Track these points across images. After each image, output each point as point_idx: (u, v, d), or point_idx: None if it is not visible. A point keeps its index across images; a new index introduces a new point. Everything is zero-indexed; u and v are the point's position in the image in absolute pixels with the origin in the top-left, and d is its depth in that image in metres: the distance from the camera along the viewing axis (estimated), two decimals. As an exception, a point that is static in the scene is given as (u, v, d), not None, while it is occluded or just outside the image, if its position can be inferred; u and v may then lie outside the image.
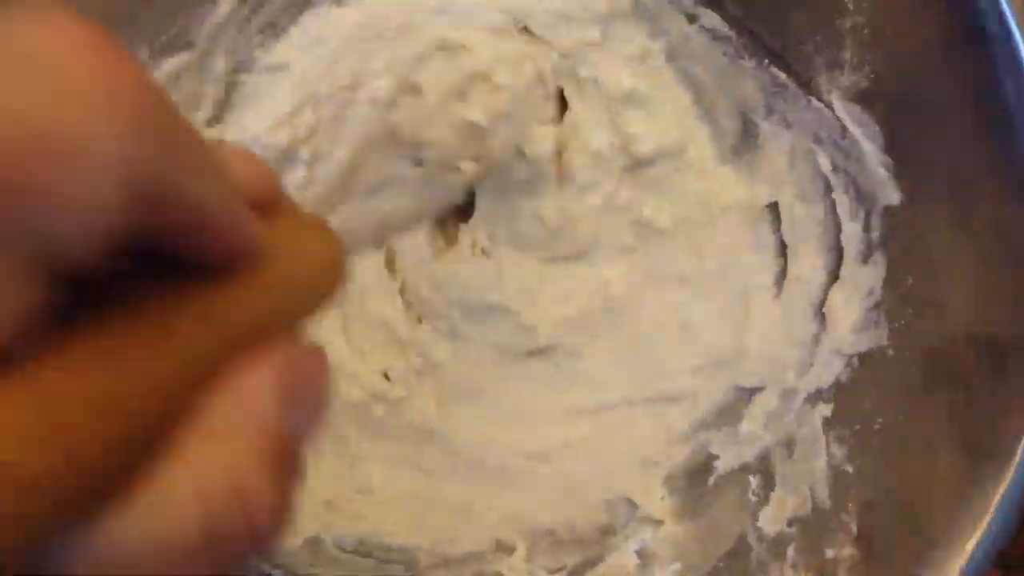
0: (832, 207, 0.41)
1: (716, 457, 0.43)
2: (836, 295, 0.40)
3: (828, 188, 0.41)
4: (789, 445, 0.40)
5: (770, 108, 0.42)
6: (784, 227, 0.43)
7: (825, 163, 0.40)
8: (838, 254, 0.40)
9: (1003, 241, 0.35)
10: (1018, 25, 0.32)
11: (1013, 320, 0.34)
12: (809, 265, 0.42)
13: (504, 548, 0.43)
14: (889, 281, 0.38)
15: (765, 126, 0.42)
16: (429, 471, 0.45)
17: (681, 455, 0.44)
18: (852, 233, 0.40)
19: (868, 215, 0.39)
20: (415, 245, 0.46)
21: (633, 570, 0.41)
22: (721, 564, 0.40)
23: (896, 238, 0.38)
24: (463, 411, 0.45)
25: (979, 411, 0.34)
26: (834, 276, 0.41)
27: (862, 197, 0.39)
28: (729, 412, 0.44)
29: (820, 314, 0.41)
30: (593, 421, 0.45)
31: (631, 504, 0.43)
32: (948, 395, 0.36)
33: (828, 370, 0.40)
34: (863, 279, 0.39)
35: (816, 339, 0.41)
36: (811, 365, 0.41)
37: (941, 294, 0.37)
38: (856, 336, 0.39)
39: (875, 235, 0.39)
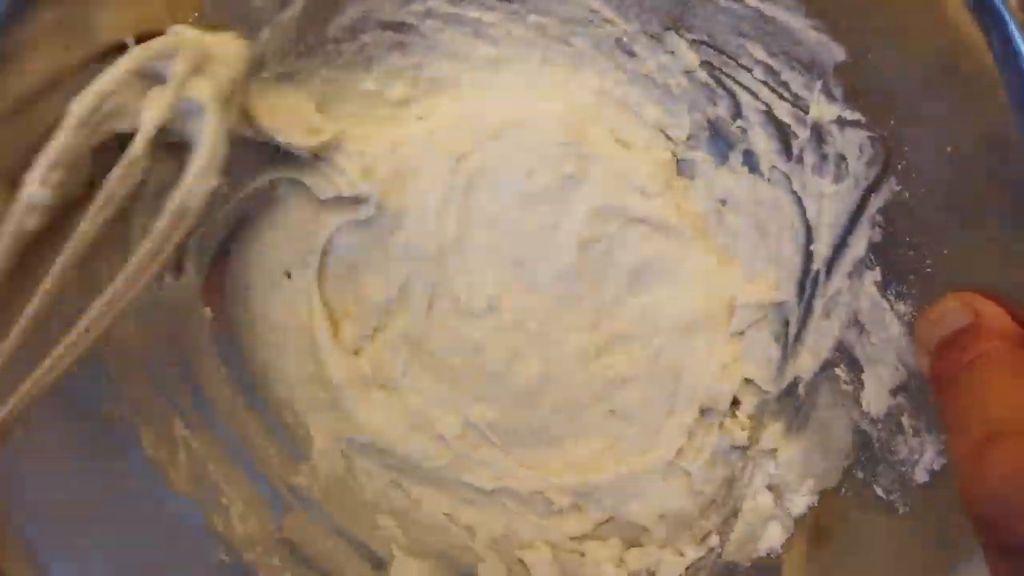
0: (786, 86, 0.40)
1: (797, 365, 0.43)
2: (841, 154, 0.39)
3: (774, 72, 0.40)
4: (858, 324, 0.40)
5: (681, 21, 0.41)
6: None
7: (759, 51, 0.40)
8: (816, 128, 0.40)
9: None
10: None
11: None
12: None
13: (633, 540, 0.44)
14: (874, 122, 0.37)
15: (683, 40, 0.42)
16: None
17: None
18: (818, 102, 0.39)
19: (824, 81, 0.38)
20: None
21: (772, 506, 0.41)
22: (849, 463, 0.39)
23: (863, 85, 0.37)
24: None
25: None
26: (820, 142, 0.40)
27: (809, 67, 0.39)
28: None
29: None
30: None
31: (739, 448, 0.43)
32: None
33: (859, 238, 0.39)
34: (847, 140, 0.38)
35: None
36: (843, 242, 0.40)
37: (917, 110, 0.36)
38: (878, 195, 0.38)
39: (837, 92, 0.38)
